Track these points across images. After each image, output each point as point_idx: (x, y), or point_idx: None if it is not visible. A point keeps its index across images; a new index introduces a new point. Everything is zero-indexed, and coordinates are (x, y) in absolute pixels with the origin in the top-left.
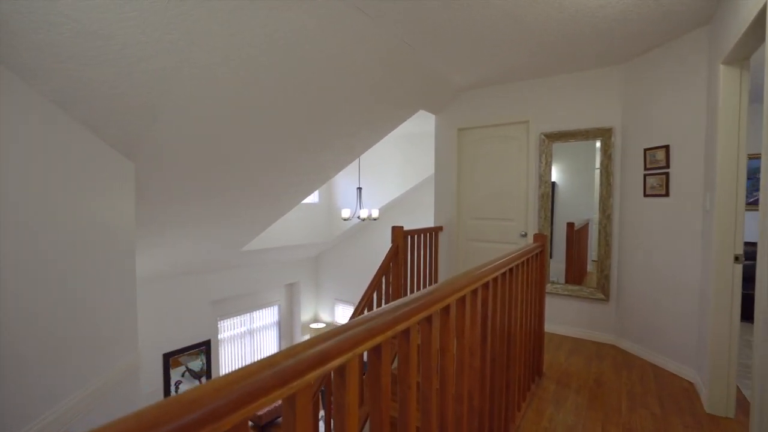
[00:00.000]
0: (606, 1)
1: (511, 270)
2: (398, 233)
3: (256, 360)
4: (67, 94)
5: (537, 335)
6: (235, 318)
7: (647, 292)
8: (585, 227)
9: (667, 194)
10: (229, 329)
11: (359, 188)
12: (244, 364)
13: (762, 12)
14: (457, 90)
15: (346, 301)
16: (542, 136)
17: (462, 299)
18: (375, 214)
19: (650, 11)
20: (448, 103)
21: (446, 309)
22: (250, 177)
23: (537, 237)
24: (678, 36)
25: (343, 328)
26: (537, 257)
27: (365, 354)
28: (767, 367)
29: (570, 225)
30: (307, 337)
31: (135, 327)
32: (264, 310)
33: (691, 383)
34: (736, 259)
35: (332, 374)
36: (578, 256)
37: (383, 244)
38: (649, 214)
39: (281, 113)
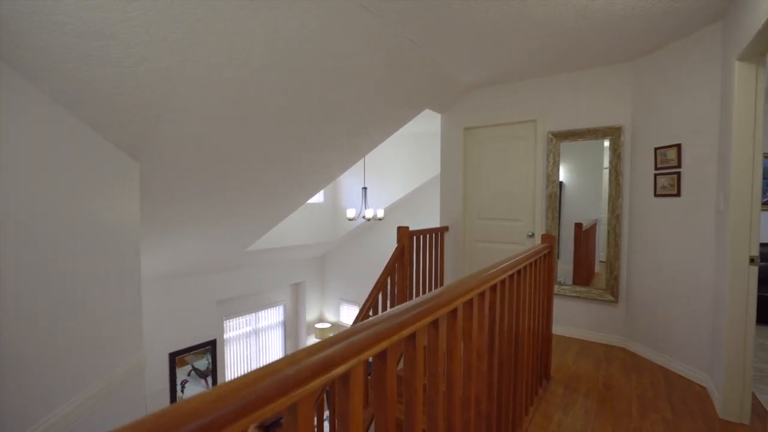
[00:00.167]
0: None
1: (519, 272)
2: (404, 233)
3: (260, 360)
4: (71, 94)
5: (545, 337)
6: (240, 318)
7: (658, 293)
8: (593, 228)
9: (678, 194)
10: (234, 329)
11: (364, 188)
12: (249, 364)
13: None
14: (463, 89)
15: (352, 301)
16: (550, 135)
17: (469, 302)
18: (380, 214)
19: (661, 7)
20: (454, 102)
21: (453, 312)
22: (254, 177)
23: (545, 238)
24: (690, 32)
25: (348, 334)
26: (545, 258)
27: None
28: None
29: (578, 225)
30: (312, 336)
31: (140, 327)
32: (269, 309)
33: (703, 387)
34: (752, 260)
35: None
36: (586, 257)
37: (388, 245)
38: (659, 215)
39: (286, 113)
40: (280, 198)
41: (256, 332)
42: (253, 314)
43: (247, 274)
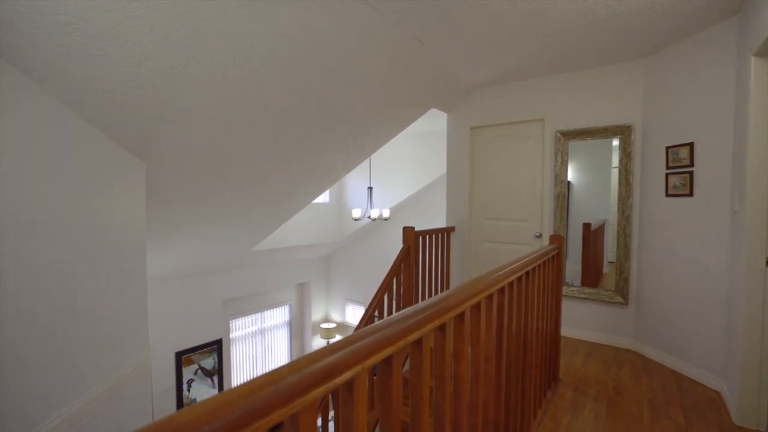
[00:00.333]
0: None
1: (527, 273)
2: (409, 234)
3: (266, 359)
4: (75, 94)
5: (553, 340)
6: (246, 317)
7: (669, 295)
8: (601, 228)
9: (691, 194)
10: (240, 328)
11: (370, 188)
12: (255, 363)
13: None
14: (469, 88)
15: (357, 301)
16: (558, 135)
17: (477, 305)
18: (386, 214)
19: (673, 2)
20: (461, 101)
21: (461, 316)
22: (259, 177)
23: (553, 238)
24: (702, 28)
25: (351, 339)
26: (553, 259)
27: None
28: None
29: (587, 226)
30: (317, 336)
31: (146, 327)
32: (275, 309)
33: (717, 392)
34: None
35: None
36: (595, 257)
37: (394, 245)
38: (671, 215)
39: (290, 112)
40: (285, 198)
41: (262, 332)
42: (259, 314)
43: (253, 273)
